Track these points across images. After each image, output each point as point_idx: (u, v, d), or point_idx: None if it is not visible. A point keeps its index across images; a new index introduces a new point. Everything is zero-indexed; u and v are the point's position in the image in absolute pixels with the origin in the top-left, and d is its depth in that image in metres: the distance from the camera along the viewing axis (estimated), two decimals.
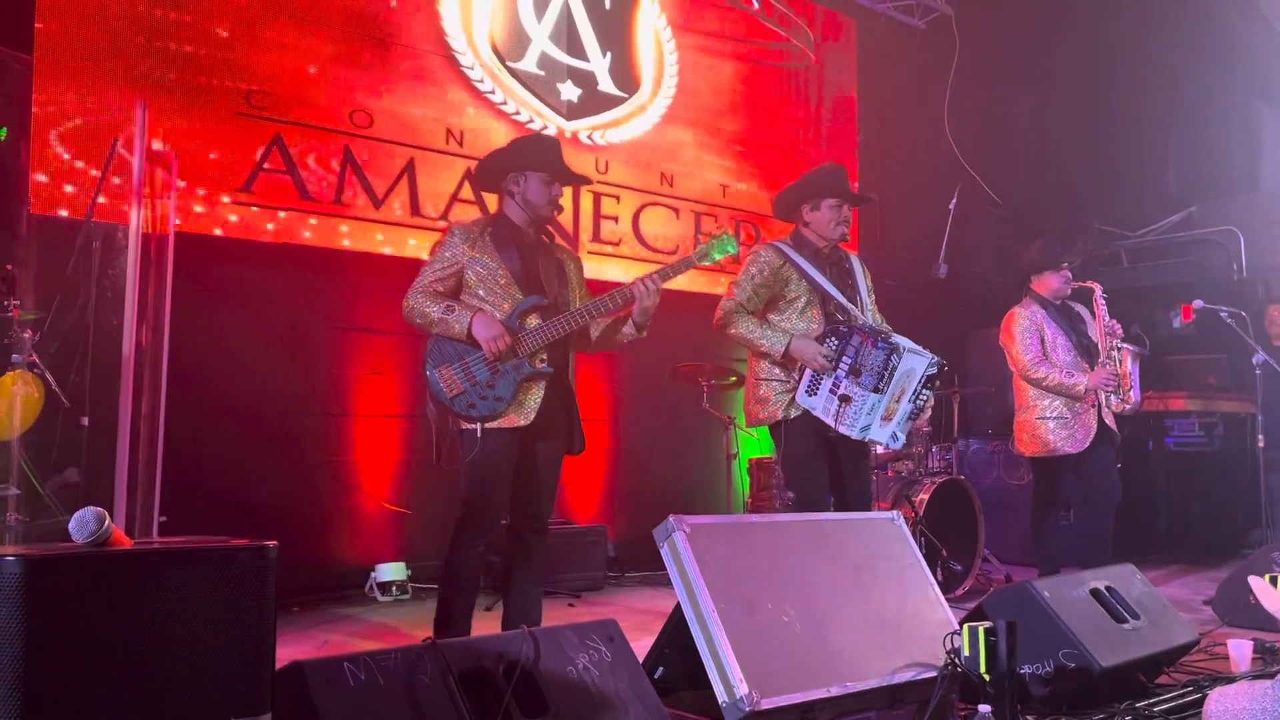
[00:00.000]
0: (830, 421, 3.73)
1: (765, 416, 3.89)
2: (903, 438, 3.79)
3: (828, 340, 3.76)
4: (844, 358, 3.72)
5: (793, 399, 3.80)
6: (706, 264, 3.66)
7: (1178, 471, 7.16)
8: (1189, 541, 7.04)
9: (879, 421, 3.71)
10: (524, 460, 3.43)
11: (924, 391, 3.73)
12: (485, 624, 3.57)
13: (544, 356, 3.37)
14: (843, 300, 3.89)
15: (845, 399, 3.71)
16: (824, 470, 3.87)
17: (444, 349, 3.34)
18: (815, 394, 3.75)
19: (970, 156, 7.97)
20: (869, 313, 3.99)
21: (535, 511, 3.48)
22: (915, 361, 3.69)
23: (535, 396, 3.36)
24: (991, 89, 8.21)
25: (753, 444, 6.27)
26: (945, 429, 6.39)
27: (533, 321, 3.37)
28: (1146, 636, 3.20)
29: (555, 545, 5.49)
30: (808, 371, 3.77)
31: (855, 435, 3.73)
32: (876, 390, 3.69)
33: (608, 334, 3.59)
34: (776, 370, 3.86)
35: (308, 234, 5.26)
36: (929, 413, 3.72)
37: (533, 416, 3.34)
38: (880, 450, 5.65)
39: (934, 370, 3.71)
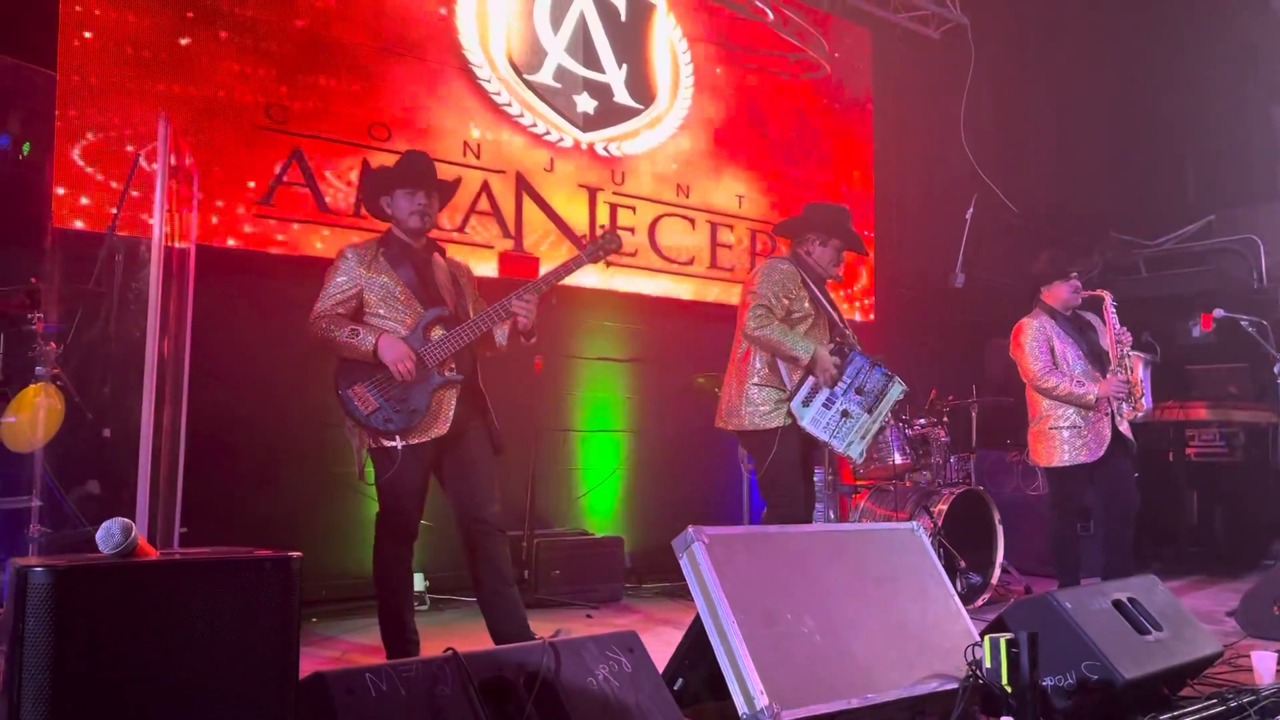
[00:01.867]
0: (823, 435, 3.95)
1: (760, 421, 4.04)
2: (864, 456, 4.24)
3: (833, 358, 4.00)
4: (846, 376, 3.99)
5: (787, 408, 3.98)
6: (595, 262, 3.85)
7: (1199, 482, 7.09)
8: (1211, 552, 6.97)
9: (858, 439, 4.01)
10: (450, 467, 3.55)
11: (888, 414, 4.13)
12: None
13: (453, 365, 3.48)
14: (842, 324, 4.18)
15: (845, 414, 3.95)
16: (801, 480, 4.10)
17: (354, 368, 3.42)
18: (809, 405, 3.95)
19: (987, 166, 7.95)
20: (851, 336, 4.27)
21: (478, 514, 3.53)
22: (897, 389, 4.07)
23: (449, 404, 3.46)
24: (1008, 98, 8.20)
25: None
26: (963, 439, 6.36)
27: (437, 332, 3.47)
28: (1170, 648, 3.17)
29: (572, 556, 5.53)
30: (807, 383, 3.96)
31: (840, 449, 3.99)
32: (870, 411, 3.99)
33: (513, 337, 3.70)
34: (771, 375, 4.04)
35: (326, 246, 5.28)
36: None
37: (449, 424, 3.45)
38: (899, 462, 5.63)
39: (902, 396, 4.10)
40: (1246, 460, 6.94)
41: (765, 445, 4.00)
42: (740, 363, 4.15)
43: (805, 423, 3.92)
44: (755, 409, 4.04)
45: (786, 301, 4.05)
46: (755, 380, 4.05)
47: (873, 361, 4.02)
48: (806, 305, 4.10)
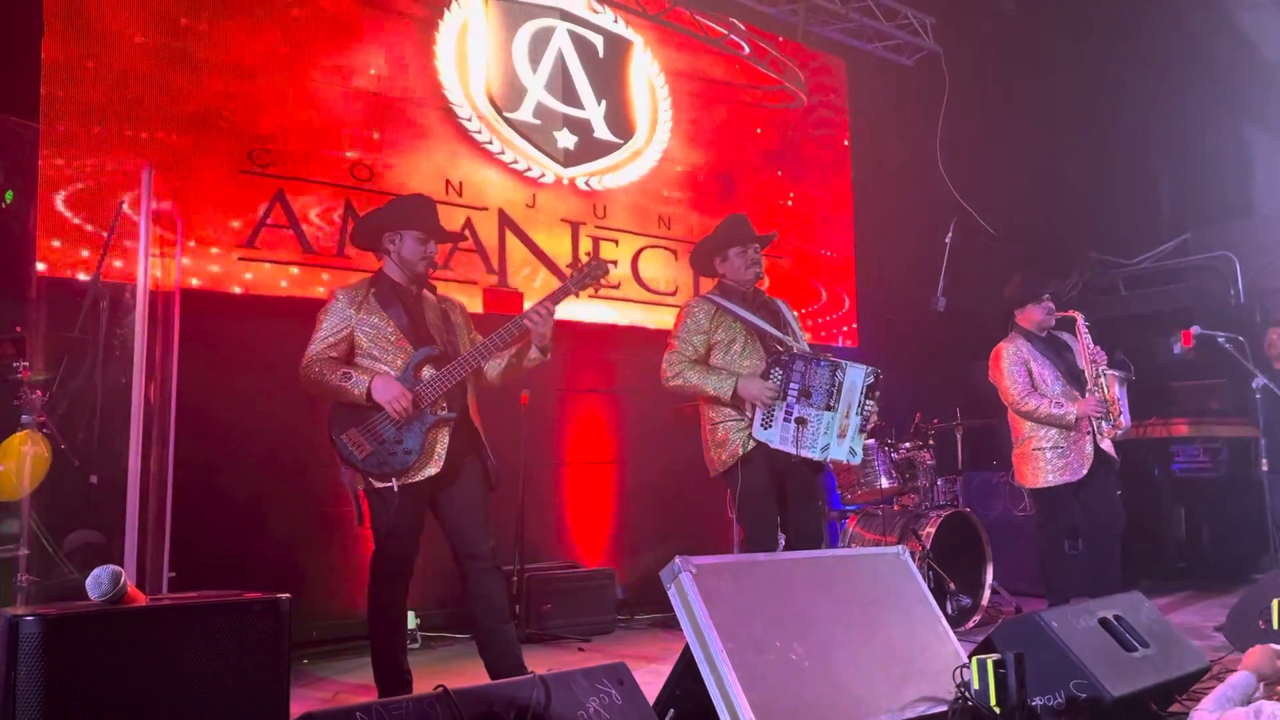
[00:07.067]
0: (791, 449, 3.82)
1: (727, 457, 3.99)
2: (860, 454, 3.91)
3: (772, 371, 3.89)
4: (792, 383, 3.85)
5: (749, 434, 3.91)
6: (582, 290, 3.79)
7: (1183, 497, 7.14)
8: (1197, 567, 7.01)
9: (835, 439, 3.85)
10: (445, 504, 3.56)
11: (867, 402, 3.87)
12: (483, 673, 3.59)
13: (444, 404, 3.50)
14: (776, 333, 4.07)
15: (801, 421, 3.82)
16: (774, 507, 4.01)
17: (348, 412, 3.45)
18: (770, 426, 3.86)
19: (964, 190, 8.04)
20: (802, 343, 4.16)
21: (474, 550, 3.56)
22: (855, 374, 3.84)
23: (443, 443, 3.49)
24: (983, 123, 8.31)
25: None
26: (949, 461, 6.39)
27: (428, 372, 3.49)
28: (1157, 664, 3.20)
29: (563, 589, 5.52)
30: (757, 410, 3.88)
31: (817, 456, 3.86)
32: (829, 408, 3.82)
33: (511, 365, 3.71)
34: (728, 410, 3.99)
35: (309, 287, 5.31)
36: (873, 421, 3.90)
37: (442, 463, 3.47)
38: (885, 486, 5.65)
39: (872, 379, 3.86)
40: (1231, 475, 6.99)
41: (734, 477, 3.98)
42: (703, 406, 4.13)
43: (775, 443, 3.85)
44: (722, 446, 4.01)
45: (704, 338, 4.05)
46: (716, 419, 4.03)
47: (812, 356, 3.85)
48: (731, 330, 4.05)
